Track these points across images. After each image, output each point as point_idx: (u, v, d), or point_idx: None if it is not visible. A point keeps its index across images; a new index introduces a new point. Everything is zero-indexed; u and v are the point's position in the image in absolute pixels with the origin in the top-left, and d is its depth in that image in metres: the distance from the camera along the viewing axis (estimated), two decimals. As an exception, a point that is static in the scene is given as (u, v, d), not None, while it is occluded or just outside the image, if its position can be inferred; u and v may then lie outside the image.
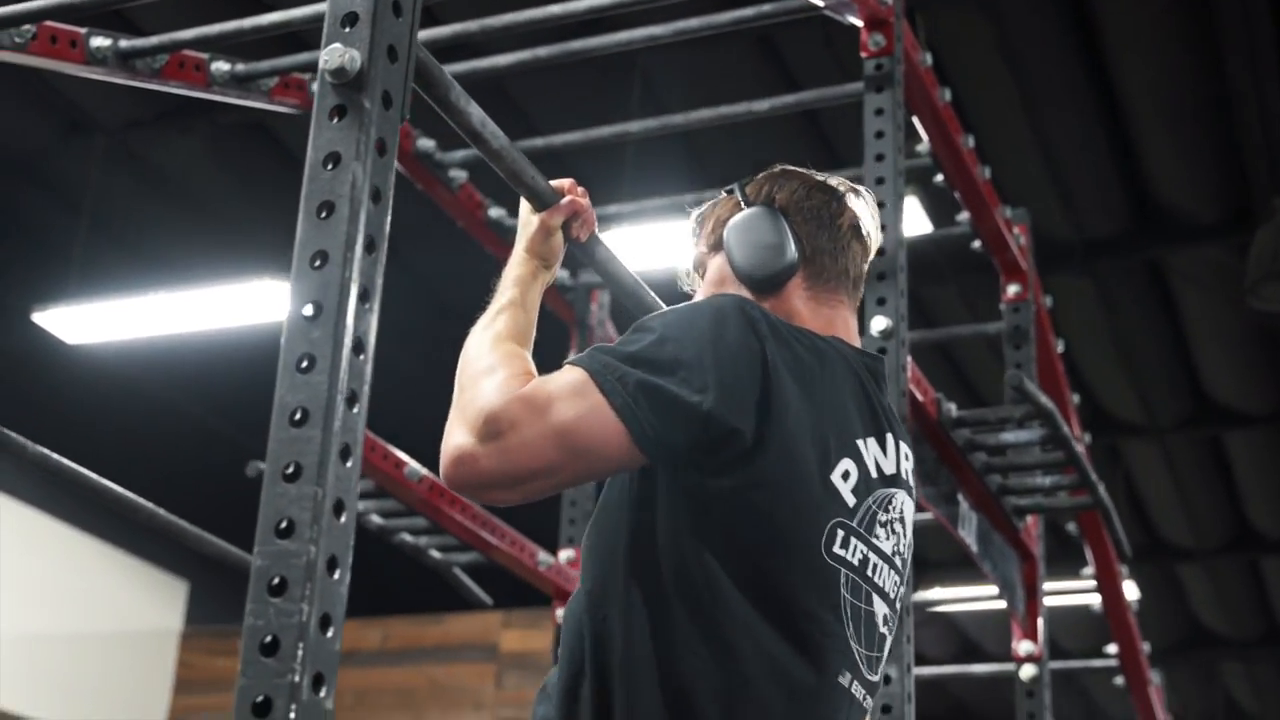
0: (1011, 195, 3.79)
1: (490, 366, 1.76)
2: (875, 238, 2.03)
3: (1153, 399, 8.43)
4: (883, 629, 1.83)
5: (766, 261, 1.93)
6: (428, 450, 3.30)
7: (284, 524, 1.30)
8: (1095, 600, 5.25)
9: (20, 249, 7.69)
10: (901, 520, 1.87)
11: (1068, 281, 7.08)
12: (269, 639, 1.26)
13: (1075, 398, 4.31)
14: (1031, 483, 3.42)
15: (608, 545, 1.79)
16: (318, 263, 1.41)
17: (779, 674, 1.70)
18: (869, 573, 1.79)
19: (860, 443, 1.81)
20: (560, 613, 4.01)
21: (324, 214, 1.42)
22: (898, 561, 1.85)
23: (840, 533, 1.76)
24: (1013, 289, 3.83)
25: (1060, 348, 4.22)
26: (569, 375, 1.71)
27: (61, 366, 7.93)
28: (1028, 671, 3.54)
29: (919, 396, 2.93)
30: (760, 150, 6.21)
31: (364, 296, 1.41)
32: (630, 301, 2.10)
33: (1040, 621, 3.61)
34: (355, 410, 1.37)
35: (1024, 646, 3.57)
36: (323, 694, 1.26)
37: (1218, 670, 12.53)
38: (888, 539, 1.83)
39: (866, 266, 2.03)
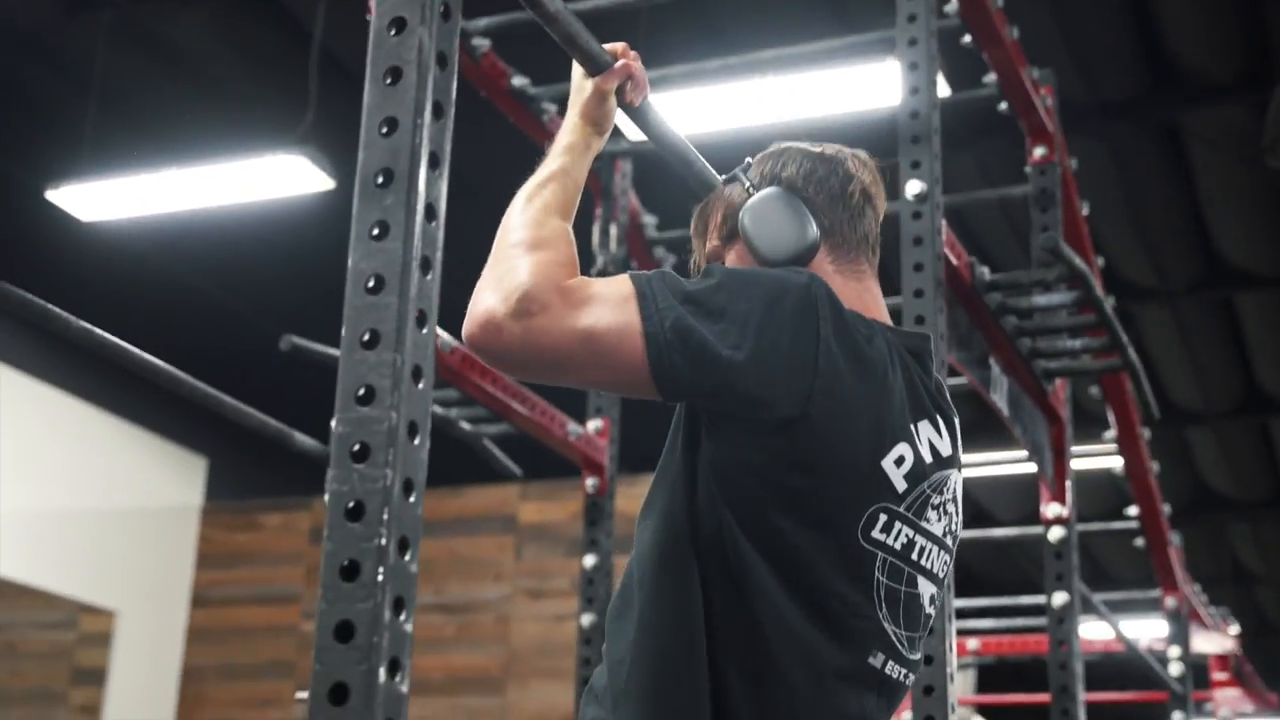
0: (1026, 56, 3.76)
1: (535, 241, 1.75)
2: (881, 199, 2.01)
3: (1165, 262, 8.42)
4: (929, 609, 1.83)
5: (790, 241, 1.90)
6: (453, 328, 3.31)
7: (363, 391, 1.31)
8: (1110, 464, 5.29)
9: (31, 127, 7.64)
10: (954, 500, 1.87)
11: (1081, 144, 7.04)
12: (353, 504, 1.27)
13: (1100, 260, 4.31)
14: (1061, 346, 3.42)
15: (658, 523, 1.79)
16: (386, 129, 1.40)
17: (805, 653, 1.71)
18: (914, 556, 1.79)
19: (913, 427, 1.80)
20: (590, 483, 4.04)
21: (390, 80, 1.41)
22: (948, 541, 1.86)
23: (883, 517, 1.75)
24: (1039, 151, 3.81)
25: (1085, 210, 4.20)
26: (618, 286, 1.71)
27: (75, 244, 7.92)
28: (1056, 534, 3.57)
29: (953, 260, 2.92)
30: (775, 18, 6.15)
31: (434, 162, 1.41)
32: (680, 166, 2.09)
33: (1068, 484, 3.64)
34: (429, 277, 1.37)
35: (1052, 509, 3.59)
36: (408, 558, 1.28)
37: (1225, 532, 12.66)
38: (939, 520, 1.83)
39: (878, 229, 2.00)
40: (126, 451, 9.00)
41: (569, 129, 1.95)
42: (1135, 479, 4.93)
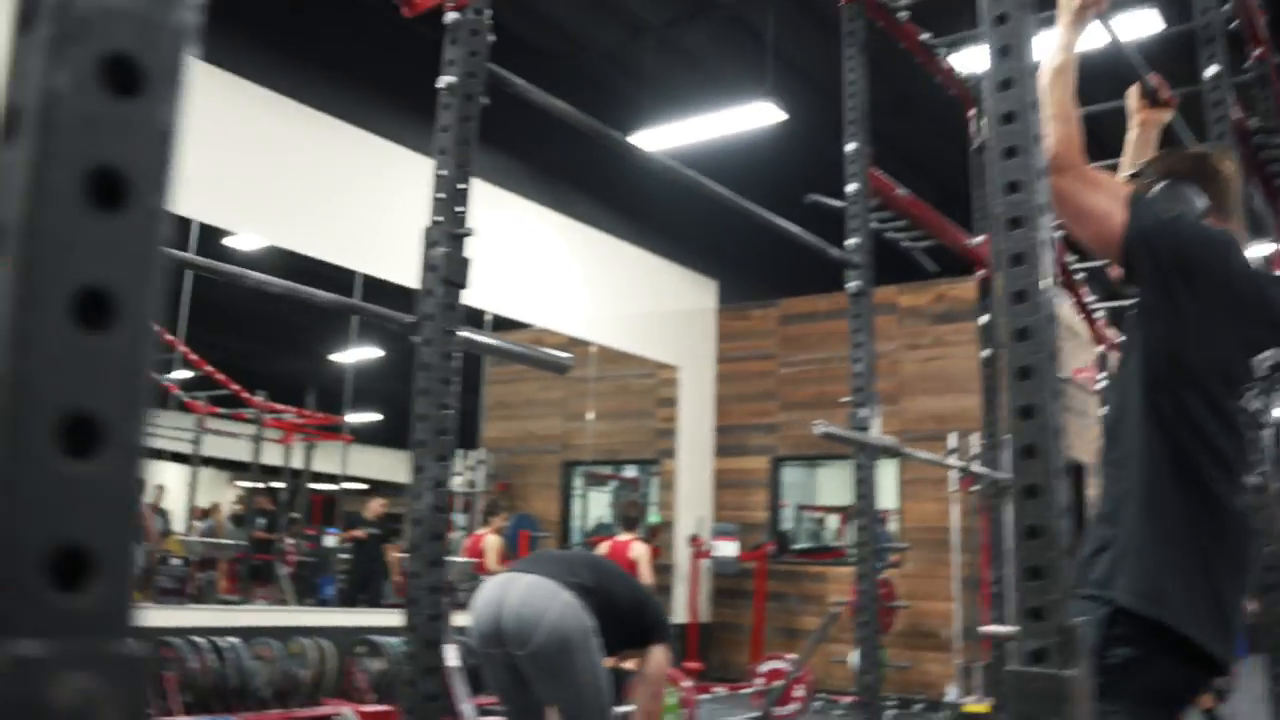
0: None
1: (1064, 118, 2.11)
2: (1238, 174, 2.28)
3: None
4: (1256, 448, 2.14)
5: (1186, 213, 2.17)
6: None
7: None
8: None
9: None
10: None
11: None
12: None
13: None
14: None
15: (1128, 376, 2.12)
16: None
17: (1223, 477, 2.05)
18: (1259, 418, 2.12)
19: None
20: (980, 273, 5.11)
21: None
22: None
23: (1248, 393, 2.07)
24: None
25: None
26: (1122, 186, 2.06)
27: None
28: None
29: None
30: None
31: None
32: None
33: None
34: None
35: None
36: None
37: None
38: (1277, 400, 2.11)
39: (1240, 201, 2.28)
40: (670, 278, 11.96)
41: (1064, 29, 2.32)
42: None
